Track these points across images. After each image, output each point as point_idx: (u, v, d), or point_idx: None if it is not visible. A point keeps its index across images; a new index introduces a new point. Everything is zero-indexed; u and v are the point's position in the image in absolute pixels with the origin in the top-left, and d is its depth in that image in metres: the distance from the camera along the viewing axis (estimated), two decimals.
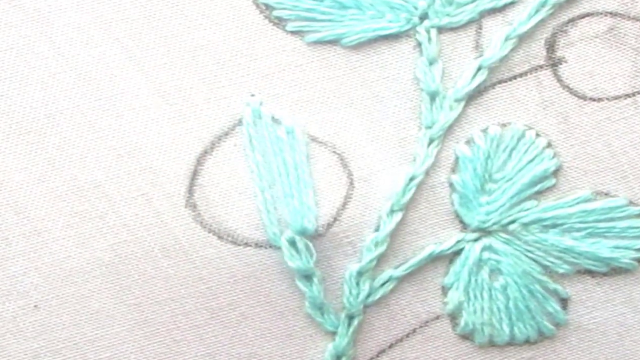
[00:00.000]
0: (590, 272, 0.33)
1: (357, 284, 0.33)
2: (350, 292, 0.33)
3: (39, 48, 0.32)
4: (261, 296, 0.33)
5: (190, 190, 0.33)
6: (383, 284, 0.33)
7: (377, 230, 0.33)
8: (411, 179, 0.33)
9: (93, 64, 0.32)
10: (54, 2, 0.32)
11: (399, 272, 0.33)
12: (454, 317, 0.34)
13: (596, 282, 0.34)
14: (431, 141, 0.33)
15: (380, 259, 0.33)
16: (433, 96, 0.33)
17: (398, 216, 0.33)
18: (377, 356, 0.34)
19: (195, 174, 0.33)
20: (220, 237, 0.33)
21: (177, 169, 0.33)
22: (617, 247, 0.33)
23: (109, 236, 0.33)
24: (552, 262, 0.33)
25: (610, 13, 0.33)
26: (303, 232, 0.33)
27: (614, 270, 0.33)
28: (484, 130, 0.33)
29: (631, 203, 0.33)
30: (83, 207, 0.32)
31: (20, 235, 0.32)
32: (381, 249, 0.33)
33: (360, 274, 0.33)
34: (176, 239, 0.33)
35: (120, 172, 0.32)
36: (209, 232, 0.33)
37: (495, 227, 0.33)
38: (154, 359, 0.33)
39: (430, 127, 0.33)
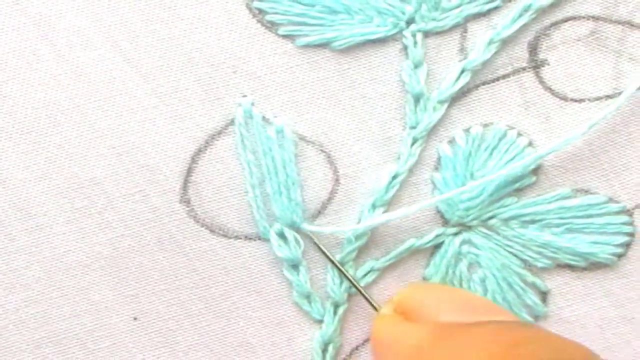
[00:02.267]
0: (570, 267, 0.33)
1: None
2: (334, 281, 0.33)
3: (41, 50, 0.32)
4: (251, 286, 0.33)
5: (185, 187, 0.33)
6: (365, 274, 0.33)
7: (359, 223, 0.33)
8: (394, 177, 0.33)
9: (93, 66, 0.32)
10: (55, 6, 0.32)
11: (380, 263, 0.33)
12: None
13: (576, 276, 0.34)
14: (415, 141, 0.33)
15: (364, 251, 0.33)
16: (417, 98, 0.33)
17: (379, 211, 0.33)
18: (363, 344, 0.34)
19: (189, 172, 0.33)
20: (212, 231, 0.33)
21: (172, 167, 0.33)
22: (596, 243, 0.33)
23: (108, 231, 0.33)
24: (531, 257, 0.33)
25: (592, 17, 0.33)
26: (291, 226, 0.33)
27: (594, 265, 0.33)
28: (466, 130, 0.33)
29: (611, 200, 0.33)
30: (83, 204, 0.33)
31: (22, 231, 0.33)
32: (361, 241, 0.33)
33: (342, 264, 0.33)
34: (171, 233, 0.33)
35: (119, 170, 0.33)
36: (202, 226, 0.33)
37: (475, 222, 0.33)
38: (150, 348, 0.33)
39: (414, 128, 0.33)
